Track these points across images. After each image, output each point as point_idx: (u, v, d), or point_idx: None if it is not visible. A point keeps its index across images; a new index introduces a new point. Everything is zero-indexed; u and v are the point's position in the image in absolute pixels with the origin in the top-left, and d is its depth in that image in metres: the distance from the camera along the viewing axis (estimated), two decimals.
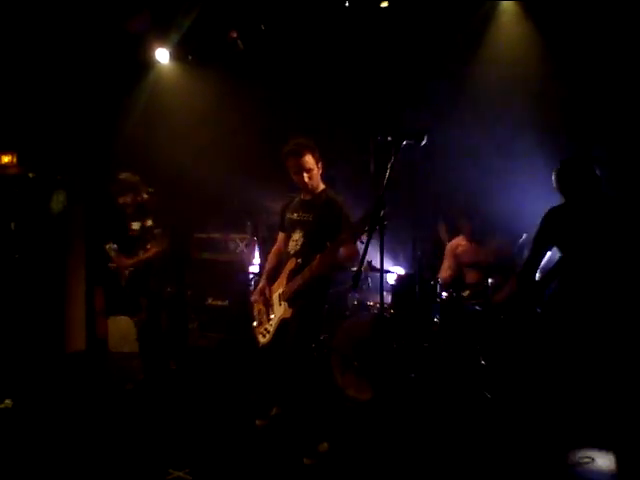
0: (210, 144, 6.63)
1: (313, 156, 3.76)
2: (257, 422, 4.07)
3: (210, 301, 6.61)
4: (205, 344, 6.47)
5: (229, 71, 6.61)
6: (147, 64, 6.71)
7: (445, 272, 5.32)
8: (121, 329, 6.36)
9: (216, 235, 6.66)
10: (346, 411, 4.46)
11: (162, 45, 6.58)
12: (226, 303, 6.51)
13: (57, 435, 3.96)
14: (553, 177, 3.68)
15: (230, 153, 6.57)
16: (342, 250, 3.49)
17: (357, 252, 3.51)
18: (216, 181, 6.65)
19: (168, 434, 4.00)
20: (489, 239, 5.11)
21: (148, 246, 4.96)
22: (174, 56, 6.71)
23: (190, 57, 6.78)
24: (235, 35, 6.39)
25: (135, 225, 4.98)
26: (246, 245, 6.51)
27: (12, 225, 5.58)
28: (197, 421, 4.27)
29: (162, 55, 6.65)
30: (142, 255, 4.97)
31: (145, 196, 5.03)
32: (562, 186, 3.64)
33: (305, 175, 3.76)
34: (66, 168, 4.63)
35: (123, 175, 4.98)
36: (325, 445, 3.65)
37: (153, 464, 3.49)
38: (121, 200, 4.95)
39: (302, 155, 3.72)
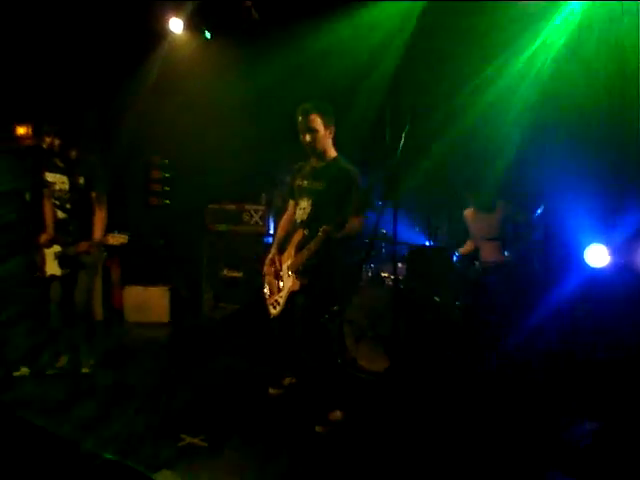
0: (224, 115, 6.59)
1: (322, 118, 3.68)
2: (271, 391, 4.12)
3: (225, 272, 6.64)
4: (220, 315, 6.52)
5: (244, 41, 6.53)
6: (160, 34, 6.65)
7: (466, 245, 5.30)
8: (137, 299, 6.46)
9: (230, 206, 6.65)
10: (359, 381, 4.49)
11: (176, 15, 6.52)
12: (241, 274, 6.54)
13: (68, 402, 4.00)
14: None
15: (244, 124, 6.53)
16: (348, 223, 3.47)
17: (361, 225, 3.54)
18: (230, 152, 6.63)
19: (183, 402, 4.04)
20: (495, 208, 5.04)
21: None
22: (188, 26, 6.64)
23: (204, 28, 6.71)
24: (249, 4, 6.31)
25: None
26: (260, 216, 6.50)
27: (27, 196, 5.61)
28: (212, 390, 4.33)
29: (176, 25, 6.59)
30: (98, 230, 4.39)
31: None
32: None
33: (307, 135, 3.69)
34: (78, 139, 4.59)
35: None
36: (338, 413, 3.68)
37: (165, 430, 3.54)
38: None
39: (308, 114, 3.66)
